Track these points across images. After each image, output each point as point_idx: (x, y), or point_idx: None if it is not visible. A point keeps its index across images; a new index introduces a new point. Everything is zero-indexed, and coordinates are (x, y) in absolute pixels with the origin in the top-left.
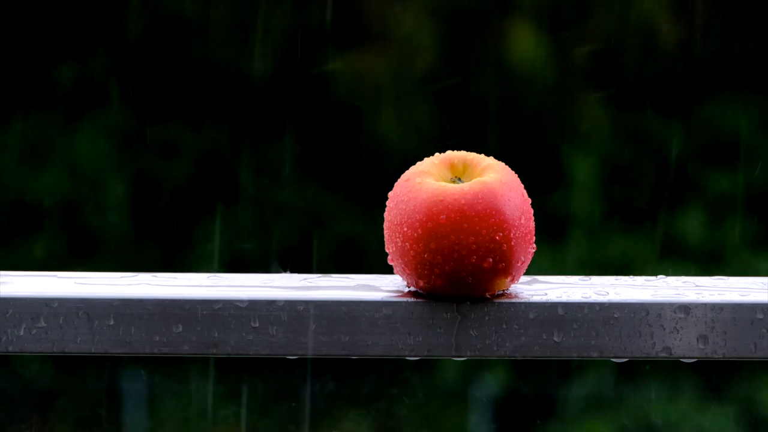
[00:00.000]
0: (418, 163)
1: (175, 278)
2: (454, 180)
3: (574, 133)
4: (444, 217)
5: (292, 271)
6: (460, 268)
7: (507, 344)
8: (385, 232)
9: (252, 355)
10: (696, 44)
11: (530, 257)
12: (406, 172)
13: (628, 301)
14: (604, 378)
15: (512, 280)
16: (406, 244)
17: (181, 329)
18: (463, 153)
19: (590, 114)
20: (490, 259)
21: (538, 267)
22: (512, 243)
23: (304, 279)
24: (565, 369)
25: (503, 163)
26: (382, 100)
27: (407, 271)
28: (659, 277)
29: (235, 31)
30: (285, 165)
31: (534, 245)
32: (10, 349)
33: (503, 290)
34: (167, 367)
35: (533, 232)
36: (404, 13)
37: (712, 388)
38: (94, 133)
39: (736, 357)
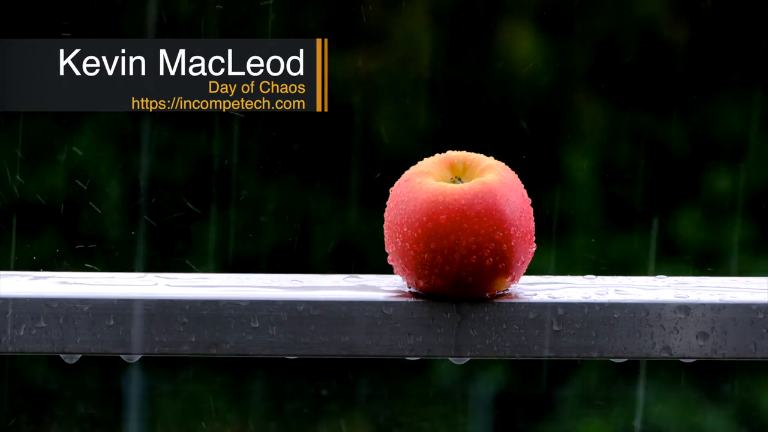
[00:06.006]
0: (418, 163)
1: (176, 278)
2: (454, 180)
3: (574, 132)
4: (444, 217)
5: (292, 272)
6: (460, 268)
7: (507, 344)
8: (385, 232)
9: (252, 355)
10: (696, 43)
11: (530, 257)
12: (406, 172)
13: (628, 301)
14: (604, 378)
15: (512, 280)
16: (406, 244)
17: (181, 329)
18: (463, 153)
19: (590, 113)
20: (490, 259)
21: (539, 267)
22: (512, 243)
23: (304, 279)
24: (565, 369)
25: (503, 164)
26: (381, 100)
27: (407, 271)
28: (659, 277)
29: (234, 30)
30: (284, 165)
31: (534, 245)
32: (10, 349)
33: (503, 290)
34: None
35: (533, 232)
36: (403, 12)
37: (712, 388)
38: (94, 132)
39: (736, 357)
